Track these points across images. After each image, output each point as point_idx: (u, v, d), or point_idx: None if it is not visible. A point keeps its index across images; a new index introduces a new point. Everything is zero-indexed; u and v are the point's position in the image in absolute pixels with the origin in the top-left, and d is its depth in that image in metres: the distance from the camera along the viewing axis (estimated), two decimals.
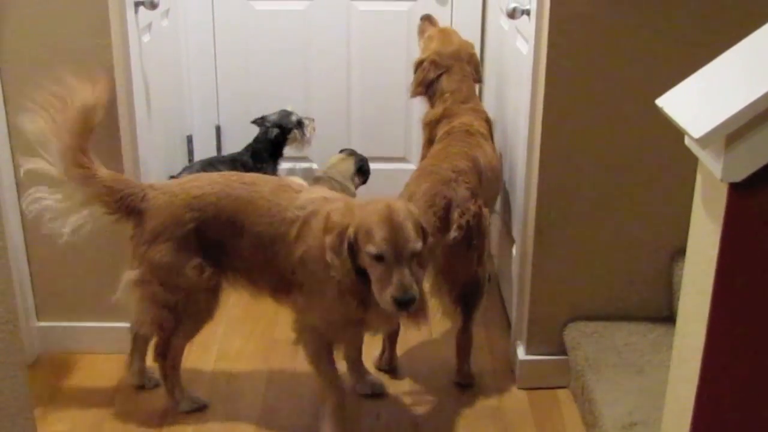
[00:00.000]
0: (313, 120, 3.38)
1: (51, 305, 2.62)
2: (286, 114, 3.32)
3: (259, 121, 3.31)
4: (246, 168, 3.18)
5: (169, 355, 2.32)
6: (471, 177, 2.44)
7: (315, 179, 3.29)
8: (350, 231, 1.96)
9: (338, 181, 3.25)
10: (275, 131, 3.27)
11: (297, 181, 2.20)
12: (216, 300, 2.27)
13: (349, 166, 3.33)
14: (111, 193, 2.17)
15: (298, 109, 3.36)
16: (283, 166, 3.46)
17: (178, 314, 2.24)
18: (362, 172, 3.36)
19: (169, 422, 2.37)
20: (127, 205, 2.19)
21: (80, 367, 2.61)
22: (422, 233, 1.99)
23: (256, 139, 3.28)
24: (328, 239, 2.00)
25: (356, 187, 3.34)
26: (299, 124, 3.33)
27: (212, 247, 2.19)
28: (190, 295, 2.21)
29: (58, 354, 2.65)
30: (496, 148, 2.78)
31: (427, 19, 3.01)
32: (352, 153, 3.38)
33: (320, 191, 2.20)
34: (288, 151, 3.37)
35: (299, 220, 2.09)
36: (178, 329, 2.27)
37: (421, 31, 2.99)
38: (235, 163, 3.18)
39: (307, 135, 3.36)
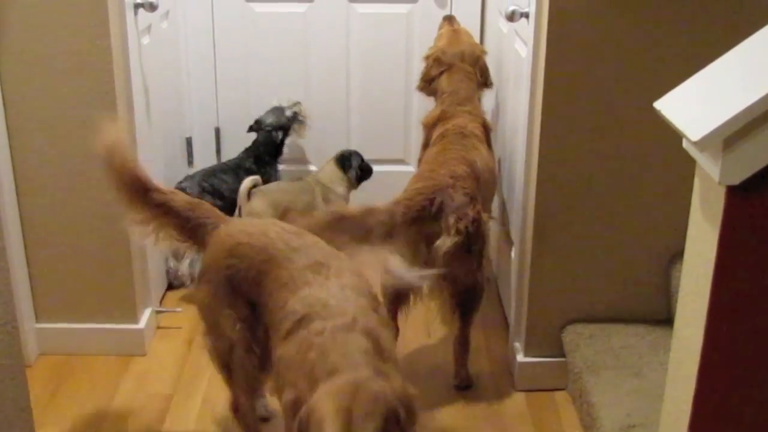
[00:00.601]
0: (299, 103, 3.35)
1: (50, 307, 2.62)
2: (280, 112, 3.28)
3: (256, 127, 3.28)
4: (250, 173, 3.15)
5: (240, 410, 2.14)
6: (469, 182, 2.43)
7: (296, 179, 3.24)
8: (303, 412, 1.55)
9: (323, 184, 3.20)
10: (279, 134, 3.26)
11: (339, 261, 1.91)
12: (257, 361, 1.99)
13: (336, 166, 3.27)
14: (184, 221, 2.07)
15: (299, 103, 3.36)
16: (284, 167, 3.43)
17: (226, 364, 2.05)
18: (352, 166, 3.25)
19: (168, 424, 2.37)
20: (195, 235, 2.08)
21: (79, 368, 2.61)
22: (397, 425, 1.54)
23: (258, 143, 3.25)
24: (284, 398, 1.68)
25: (353, 185, 3.27)
26: (294, 116, 3.31)
27: (243, 303, 1.97)
28: (232, 346, 2.00)
29: (56, 355, 2.65)
30: (493, 151, 2.79)
31: (447, 20, 3.00)
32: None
33: (333, 288, 1.81)
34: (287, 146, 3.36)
35: (295, 317, 1.76)
36: (233, 382, 2.08)
37: (439, 28, 3.00)
38: (238, 170, 3.16)
39: (304, 122, 3.34)
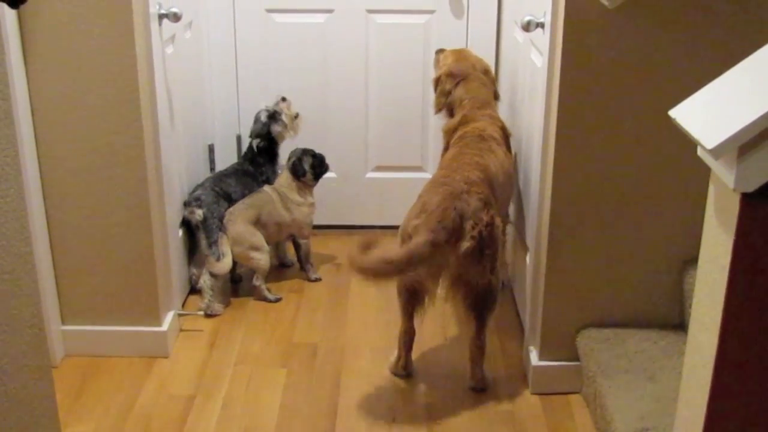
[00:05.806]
0: (284, 100, 3.26)
1: (75, 309, 2.67)
2: (257, 118, 3.25)
3: (249, 135, 3.29)
4: (249, 175, 3.22)
5: None
6: (483, 187, 2.46)
7: (257, 192, 3.17)
8: None
9: (280, 192, 3.18)
10: (257, 141, 3.23)
11: None
12: None
13: (290, 174, 3.22)
14: None
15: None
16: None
17: None
18: (305, 171, 3.18)
19: (189, 424, 2.41)
20: None
21: (103, 369, 2.65)
22: None
23: (249, 149, 3.28)
24: None
25: (310, 185, 3.22)
26: (272, 118, 3.23)
27: None
28: None
29: (82, 357, 2.70)
30: (512, 155, 2.82)
31: (441, 52, 3.06)
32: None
33: None
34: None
35: None
36: None
37: (436, 62, 3.05)
38: (238, 173, 3.21)
39: (286, 121, 3.24)
